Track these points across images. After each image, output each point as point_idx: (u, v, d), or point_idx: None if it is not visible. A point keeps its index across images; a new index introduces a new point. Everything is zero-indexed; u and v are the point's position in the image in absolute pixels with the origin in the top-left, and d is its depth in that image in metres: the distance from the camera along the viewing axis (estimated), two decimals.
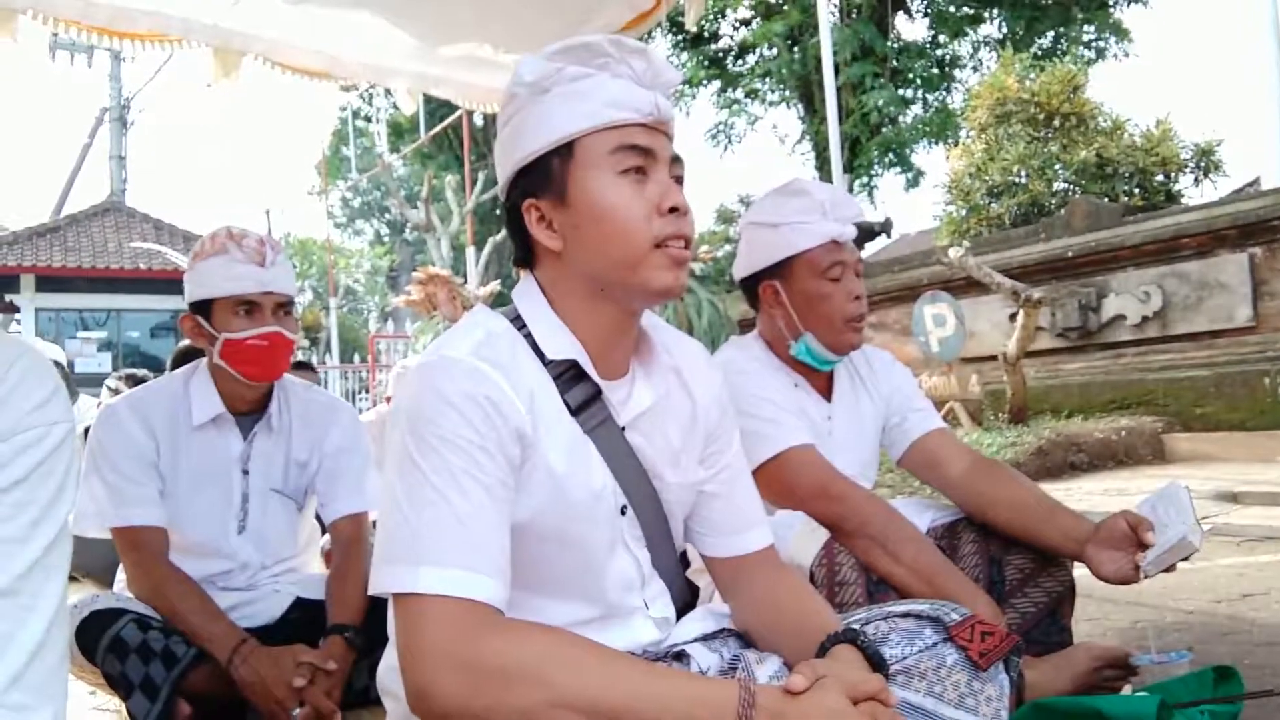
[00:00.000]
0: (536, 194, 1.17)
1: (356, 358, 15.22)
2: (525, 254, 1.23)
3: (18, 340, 0.85)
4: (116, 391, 5.24)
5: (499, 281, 10.35)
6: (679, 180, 1.18)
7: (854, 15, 17.51)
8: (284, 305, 2.00)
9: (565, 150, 1.14)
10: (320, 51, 4.42)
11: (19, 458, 0.75)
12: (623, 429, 1.21)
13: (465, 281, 10.73)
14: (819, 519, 1.80)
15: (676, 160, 1.18)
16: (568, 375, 1.17)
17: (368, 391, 13.32)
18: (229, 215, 69.95)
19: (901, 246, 19.98)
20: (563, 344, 1.17)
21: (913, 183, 19.65)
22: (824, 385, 2.01)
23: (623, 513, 1.22)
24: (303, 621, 2.06)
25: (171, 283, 15.89)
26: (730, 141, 20.64)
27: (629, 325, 1.21)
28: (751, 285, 1.98)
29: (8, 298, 16.29)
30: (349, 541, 2.10)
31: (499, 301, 10.10)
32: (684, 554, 1.37)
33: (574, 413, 1.17)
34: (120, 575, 2.06)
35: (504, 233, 16.02)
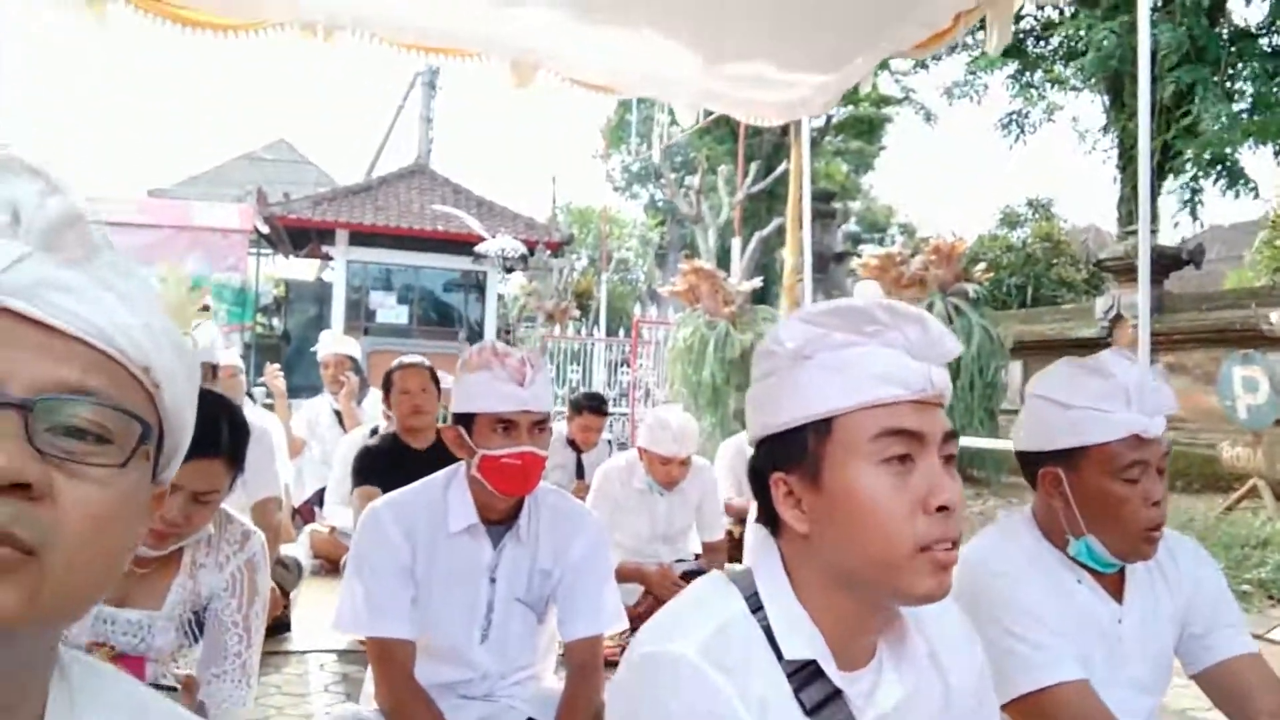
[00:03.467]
0: (786, 468, 1.05)
1: (622, 331, 15.72)
2: (770, 522, 1.11)
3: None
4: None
5: (761, 278, 10.31)
6: (951, 459, 1.03)
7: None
8: (540, 422, 2.05)
9: (823, 427, 1.02)
10: (606, 67, 4.54)
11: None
12: None
13: (729, 275, 10.79)
14: None
15: (950, 437, 1.04)
16: (805, 672, 1.06)
17: (628, 365, 13.70)
18: (518, 182, 74.16)
19: (1212, 244, 17.83)
20: (802, 640, 1.04)
21: (1239, 192, 17.06)
22: (1114, 582, 1.72)
23: None
24: None
25: (464, 245, 17.01)
26: (1023, 132, 19.18)
27: (877, 618, 1.08)
28: (1031, 463, 1.73)
29: (324, 249, 18.19)
30: (582, 666, 2.11)
31: (759, 299, 10.05)
32: None
33: (809, 713, 1.05)
34: (368, 684, 2.16)
35: (770, 227, 15.81)
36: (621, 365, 14.60)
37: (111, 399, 0.59)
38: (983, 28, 3.76)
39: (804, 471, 1.04)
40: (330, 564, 4.31)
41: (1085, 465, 1.61)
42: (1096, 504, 1.60)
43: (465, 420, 2.05)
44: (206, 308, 14.25)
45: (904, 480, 1.00)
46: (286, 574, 3.54)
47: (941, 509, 0.99)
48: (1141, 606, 1.71)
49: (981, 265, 6.62)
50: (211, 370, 3.41)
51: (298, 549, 4.33)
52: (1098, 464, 1.60)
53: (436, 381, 3.71)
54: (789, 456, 1.05)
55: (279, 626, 3.44)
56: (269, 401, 6.00)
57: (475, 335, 18.49)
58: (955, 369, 6.35)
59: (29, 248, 0.60)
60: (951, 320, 6.37)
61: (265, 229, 17.38)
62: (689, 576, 3.54)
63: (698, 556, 3.76)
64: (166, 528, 1.73)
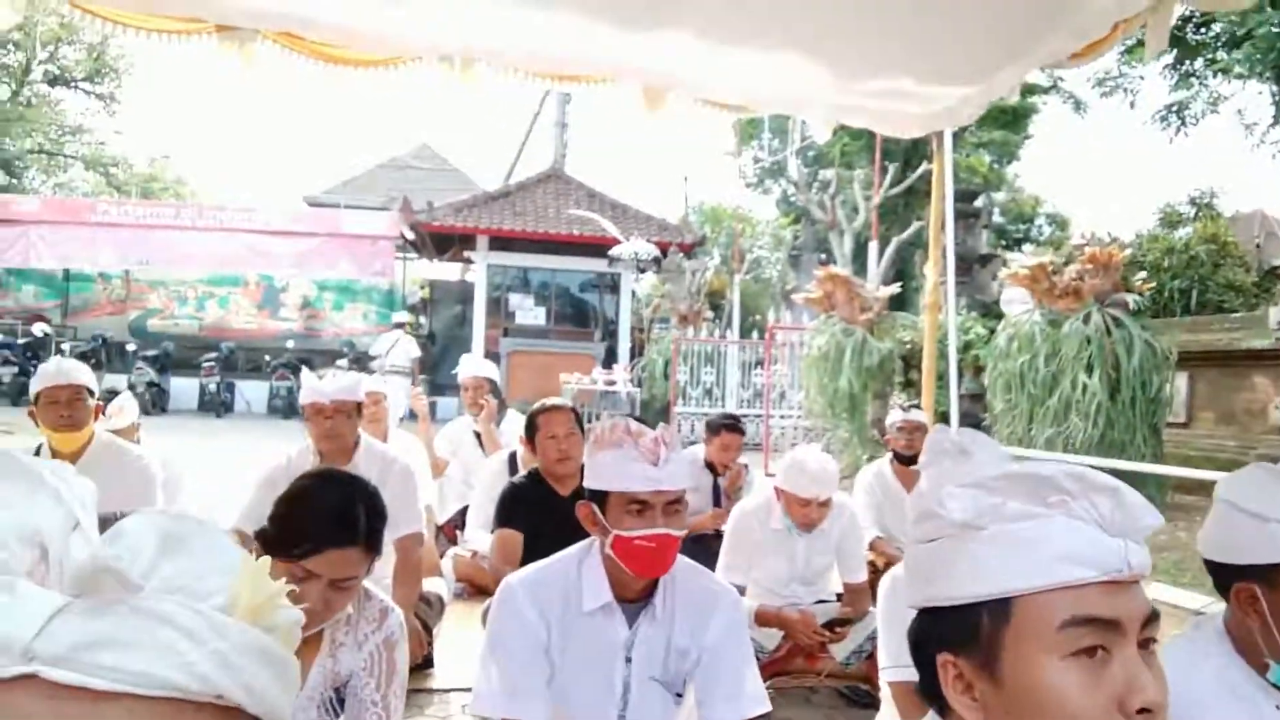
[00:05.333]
0: (956, 649, 0.93)
1: (755, 333, 15.58)
2: (934, 699, 0.99)
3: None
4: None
5: (899, 284, 9.99)
6: (1150, 644, 0.90)
7: None
8: (674, 502, 2.00)
9: (1000, 609, 0.89)
10: (738, 87, 4.46)
11: None
12: None
13: (865, 281, 10.52)
14: None
15: (1151, 619, 0.89)
16: None
17: (762, 366, 13.55)
18: (651, 183, 74.58)
19: None
20: None
21: None
22: None
23: None
24: None
25: (599, 247, 17.23)
26: (1184, 124, 17.91)
27: None
28: (1222, 574, 1.55)
29: (465, 253, 18.73)
30: None
31: (897, 305, 9.76)
32: None
33: None
34: None
35: (908, 232, 15.31)
36: (755, 366, 14.45)
37: None
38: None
39: (977, 657, 0.91)
40: (474, 588, 4.39)
41: None
42: None
43: (598, 498, 2.02)
44: (402, 324, 14.93)
45: (1097, 676, 0.86)
46: (429, 610, 3.60)
47: (1143, 711, 0.85)
48: None
49: (1142, 274, 6.19)
50: (357, 407, 3.48)
51: (443, 565, 4.43)
52: None
53: (580, 423, 3.67)
54: (959, 637, 0.92)
55: (423, 663, 3.45)
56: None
57: (610, 335, 18.71)
58: (1115, 383, 5.96)
59: (64, 598, 0.56)
60: (1110, 333, 5.99)
61: (410, 235, 18.00)
62: (832, 625, 3.43)
63: (839, 597, 3.64)
64: (306, 615, 1.76)
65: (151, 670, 0.56)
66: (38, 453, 3.30)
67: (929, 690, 0.97)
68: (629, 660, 2.07)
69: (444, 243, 18.96)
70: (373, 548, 1.83)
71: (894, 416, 4.86)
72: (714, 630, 2.10)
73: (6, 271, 18.26)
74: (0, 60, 25.74)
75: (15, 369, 15.79)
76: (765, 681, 2.27)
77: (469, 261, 19.65)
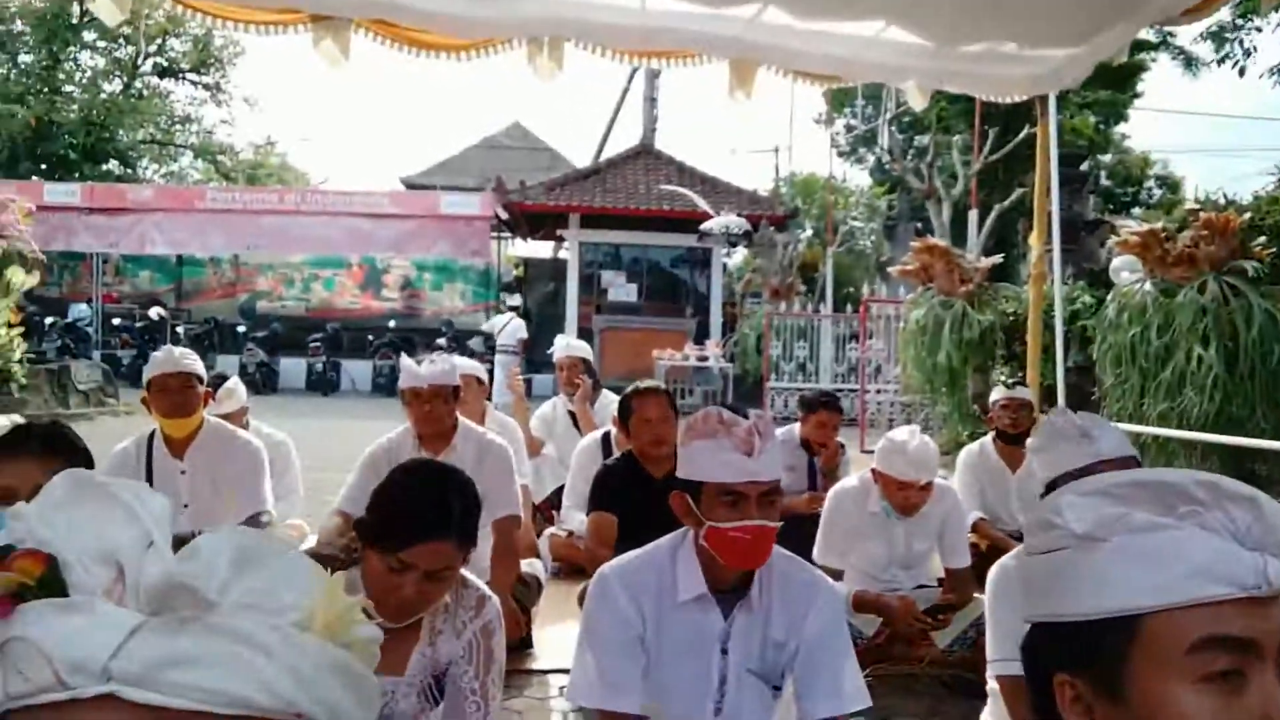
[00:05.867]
0: (1074, 669, 0.87)
1: (849, 306, 15.29)
2: (1046, 715, 0.92)
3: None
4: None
5: (1001, 254, 9.64)
6: None
7: None
8: (769, 493, 1.96)
9: (1124, 627, 0.83)
10: (830, 58, 4.35)
11: None
12: None
13: (965, 252, 10.20)
14: None
15: None
16: None
17: (857, 340, 13.32)
18: (741, 155, 73.86)
19: None
20: None
21: None
22: None
23: None
24: None
25: (690, 222, 17.18)
26: None
27: None
28: None
29: (558, 231, 18.90)
30: None
31: (998, 276, 9.44)
32: None
33: None
34: None
35: (1010, 199, 14.68)
36: (850, 341, 14.20)
37: None
38: None
39: (1098, 678, 0.85)
40: (570, 567, 4.44)
41: None
42: None
43: (691, 488, 2.00)
44: (515, 308, 15.22)
45: (1231, 703, 0.79)
46: (526, 591, 3.64)
47: None
48: None
49: (1262, 239, 5.83)
50: (454, 391, 3.52)
51: (540, 545, 4.48)
52: None
53: (674, 406, 3.65)
54: (1078, 655, 0.86)
55: (521, 643, 3.48)
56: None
57: (701, 311, 18.66)
58: (1233, 356, 5.65)
59: (140, 616, 0.56)
60: (1228, 302, 5.66)
61: (504, 215, 18.24)
62: (934, 613, 3.34)
63: (940, 582, 3.54)
64: (403, 604, 1.79)
65: (227, 688, 0.56)
66: (151, 438, 3.44)
67: (1041, 708, 0.92)
68: (725, 652, 2.05)
69: (537, 221, 19.18)
70: (467, 540, 1.85)
71: (997, 394, 4.70)
72: (812, 623, 2.06)
73: (124, 258, 19.17)
74: (112, 54, 26.88)
75: (134, 351, 16.61)
76: (865, 669, 2.23)
77: (561, 239, 19.84)
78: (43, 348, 15.48)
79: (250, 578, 0.60)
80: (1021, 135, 14.48)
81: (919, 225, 18.94)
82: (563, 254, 20.75)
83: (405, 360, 3.54)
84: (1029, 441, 2.45)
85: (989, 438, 4.70)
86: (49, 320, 16.87)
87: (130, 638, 0.55)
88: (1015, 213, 15.97)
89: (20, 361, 11.42)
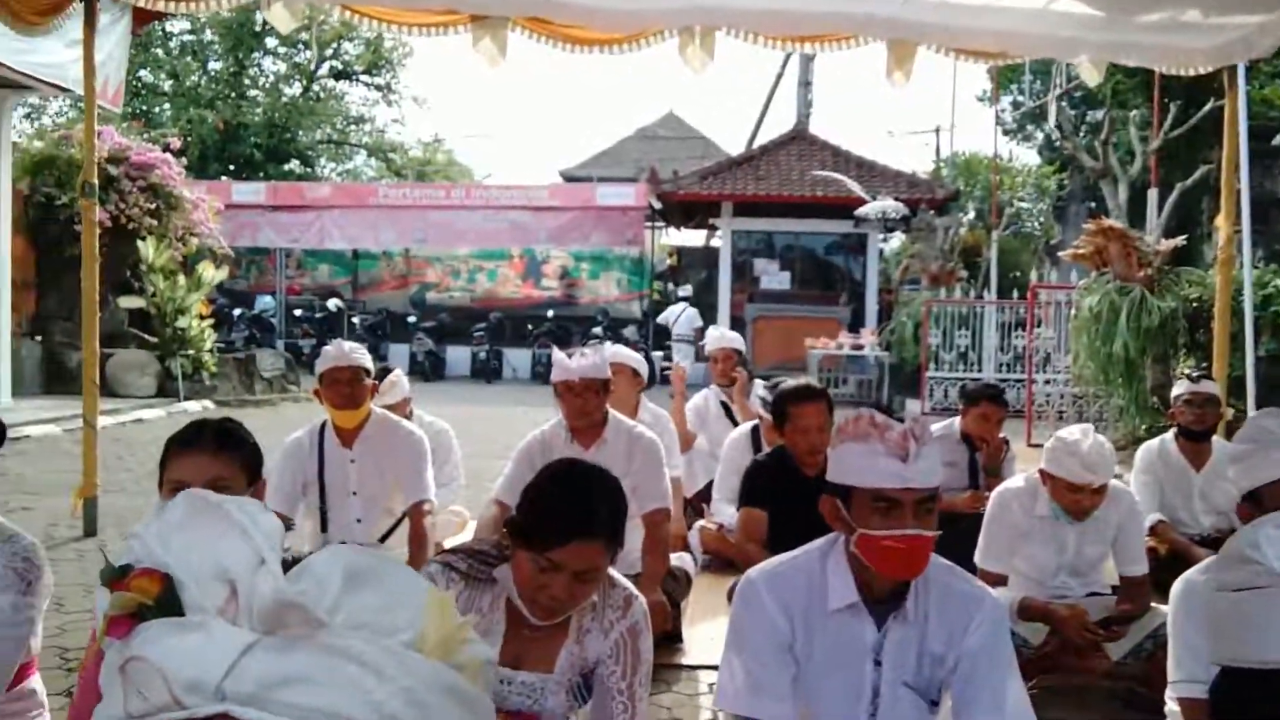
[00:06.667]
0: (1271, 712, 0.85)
1: (1015, 292, 14.59)
2: None
3: None
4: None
5: (1184, 236, 8.95)
6: None
7: None
8: (926, 500, 1.86)
9: None
10: (995, 32, 4.16)
11: None
12: None
13: (1143, 234, 9.54)
14: None
15: None
16: None
17: (1023, 328, 12.72)
18: (900, 136, 71.63)
19: None
20: None
21: None
22: None
23: None
24: None
25: (844, 208, 16.80)
26: None
27: None
28: None
29: (710, 220, 18.88)
30: None
31: (1180, 260, 8.78)
32: None
33: None
34: None
35: (1193, 177, 13.66)
36: (1016, 328, 13.55)
37: None
38: None
39: None
40: (720, 560, 4.42)
41: None
42: None
43: (842, 492, 1.92)
44: (687, 298, 15.38)
45: None
46: (676, 585, 3.65)
47: None
48: None
49: None
50: (605, 384, 3.55)
51: (690, 538, 4.48)
52: None
53: (831, 409, 3.54)
54: (1272, 707, 0.79)
55: (669, 637, 3.47)
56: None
57: (856, 298, 18.24)
58: None
59: (253, 635, 0.57)
60: None
61: (658, 205, 18.36)
62: (1105, 623, 3.12)
63: (1114, 589, 3.32)
64: (552, 603, 1.81)
65: (338, 708, 0.55)
66: (322, 429, 3.63)
67: None
68: (878, 664, 1.97)
69: (690, 210, 19.20)
70: (615, 540, 1.85)
71: (1180, 387, 4.36)
72: (973, 636, 1.95)
73: (305, 252, 20.36)
74: (292, 59, 28.56)
75: (314, 340, 17.61)
76: (1031, 680, 2.11)
77: (714, 228, 19.78)
78: (231, 338, 16.67)
79: (361, 597, 0.60)
80: (1206, 109, 13.43)
81: (1092, 206, 17.90)
82: (715, 242, 20.70)
83: (557, 353, 3.60)
84: (1230, 448, 2.26)
85: (1170, 434, 4.39)
86: (237, 312, 18.12)
87: (243, 656, 0.56)
88: (1199, 191, 14.83)
89: (211, 351, 12.32)
